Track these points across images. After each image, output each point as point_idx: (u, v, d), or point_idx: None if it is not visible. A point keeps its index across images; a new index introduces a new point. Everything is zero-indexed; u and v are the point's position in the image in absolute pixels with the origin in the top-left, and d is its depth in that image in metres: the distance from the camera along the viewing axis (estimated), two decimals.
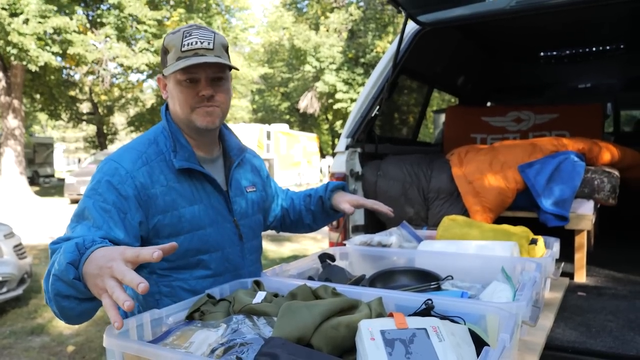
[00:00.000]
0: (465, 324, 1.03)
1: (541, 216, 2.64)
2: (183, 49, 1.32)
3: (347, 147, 3.10)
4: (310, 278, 1.61)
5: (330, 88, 23.15)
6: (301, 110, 26.77)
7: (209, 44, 1.33)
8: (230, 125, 1.91)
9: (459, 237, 2.06)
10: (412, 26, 3.37)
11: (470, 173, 2.84)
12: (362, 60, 22.77)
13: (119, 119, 30.29)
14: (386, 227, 2.91)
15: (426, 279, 1.55)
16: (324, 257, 1.71)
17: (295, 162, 23.38)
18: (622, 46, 4.52)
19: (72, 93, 21.21)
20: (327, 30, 23.68)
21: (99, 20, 16.26)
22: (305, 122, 29.61)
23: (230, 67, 1.39)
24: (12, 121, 15.69)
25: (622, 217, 3.79)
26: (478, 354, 0.92)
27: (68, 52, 14.65)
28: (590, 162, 2.84)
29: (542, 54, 4.89)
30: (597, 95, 5.35)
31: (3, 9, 12.80)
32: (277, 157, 20.95)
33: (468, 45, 4.53)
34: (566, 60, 4.97)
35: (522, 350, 1.37)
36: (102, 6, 16.53)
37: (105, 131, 26.61)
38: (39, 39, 13.60)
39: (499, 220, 2.63)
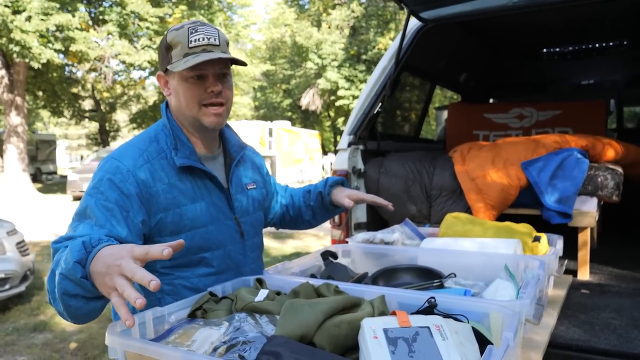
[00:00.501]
0: (468, 322, 1.03)
1: (544, 213, 2.63)
2: (190, 45, 1.31)
3: (349, 144, 3.09)
4: (313, 276, 1.61)
5: (332, 85, 23.14)
6: (303, 107, 26.78)
7: (215, 40, 1.33)
8: (232, 122, 1.91)
9: (461, 235, 2.06)
10: (414, 23, 3.36)
11: (473, 170, 2.83)
12: (364, 57, 22.75)
13: (121, 116, 30.38)
14: (389, 224, 2.91)
15: (429, 277, 1.55)
16: (327, 255, 1.71)
17: (298, 159, 23.39)
18: (625, 42, 4.50)
19: (74, 90, 21.23)
20: (329, 27, 23.66)
21: (101, 17, 16.26)
22: (307, 119, 29.61)
23: (237, 63, 1.38)
24: (14, 118, 15.72)
25: (625, 214, 3.78)
26: (482, 353, 0.91)
27: (70, 49, 14.65)
28: (593, 159, 2.83)
29: (544, 50, 4.87)
30: (600, 92, 5.33)
31: (6, 6, 12.81)
32: (279, 154, 20.96)
33: (470, 42, 4.51)
34: (569, 57, 4.95)
35: (526, 349, 1.37)
36: (104, 3, 16.53)
37: (107, 128, 26.68)
38: (42, 36, 13.61)
39: (501, 218, 2.62)
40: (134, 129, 24.59)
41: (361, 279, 1.54)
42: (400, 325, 0.94)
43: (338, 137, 28.31)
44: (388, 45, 20.32)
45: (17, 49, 13.21)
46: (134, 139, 1.42)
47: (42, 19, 13.37)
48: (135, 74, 25.43)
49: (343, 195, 1.68)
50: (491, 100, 6.04)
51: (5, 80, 15.27)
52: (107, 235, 1.16)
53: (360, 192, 1.73)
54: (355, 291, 1.22)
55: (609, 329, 1.93)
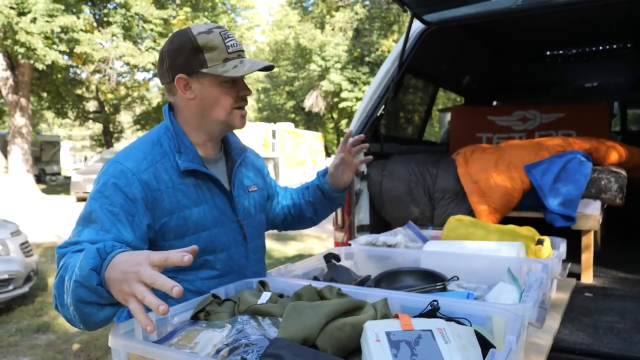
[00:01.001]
0: (471, 326, 1.03)
1: (547, 216, 2.62)
2: (229, 51, 1.36)
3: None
4: (316, 278, 1.61)
5: (336, 87, 23.13)
6: (306, 109, 26.78)
7: (241, 45, 1.41)
8: None
9: (464, 238, 2.05)
10: (417, 25, 3.36)
11: (476, 173, 2.82)
12: (367, 59, 22.74)
13: (125, 118, 30.44)
14: (391, 227, 2.91)
15: (432, 280, 1.55)
16: (329, 257, 1.71)
17: (301, 160, 23.37)
18: (629, 45, 4.49)
19: (78, 91, 21.30)
20: (333, 29, 23.66)
21: (105, 19, 16.31)
22: (310, 120, 29.61)
23: (269, 69, 1.43)
24: (19, 119, 15.78)
25: (629, 217, 3.77)
26: (484, 356, 0.91)
27: (75, 50, 14.70)
28: (597, 161, 2.83)
29: (548, 52, 4.86)
30: (603, 95, 5.32)
31: (11, 8, 12.87)
32: (282, 156, 20.94)
33: (474, 44, 4.51)
34: (573, 59, 4.94)
35: (529, 352, 1.37)
36: (108, 5, 16.59)
37: (111, 129, 26.75)
38: (47, 37, 13.66)
39: (505, 221, 2.62)
40: (137, 130, 24.65)
41: (364, 282, 1.54)
42: (402, 328, 0.94)
43: (341, 139, 28.29)
44: (391, 47, 20.34)
45: (22, 50, 13.27)
46: (136, 142, 1.42)
47: (47, 21, 13.42)
48: (139, 76, 25.42)
49: (335, 171, 1.66)
50: (494, 103, 6.03)
51: (10, 82, 15.34)
52: (113, 241, 1.16)
53: (341, 154, 1.67)
54: (357, 294, 1.22)
55: (613, 332, 1.92)
